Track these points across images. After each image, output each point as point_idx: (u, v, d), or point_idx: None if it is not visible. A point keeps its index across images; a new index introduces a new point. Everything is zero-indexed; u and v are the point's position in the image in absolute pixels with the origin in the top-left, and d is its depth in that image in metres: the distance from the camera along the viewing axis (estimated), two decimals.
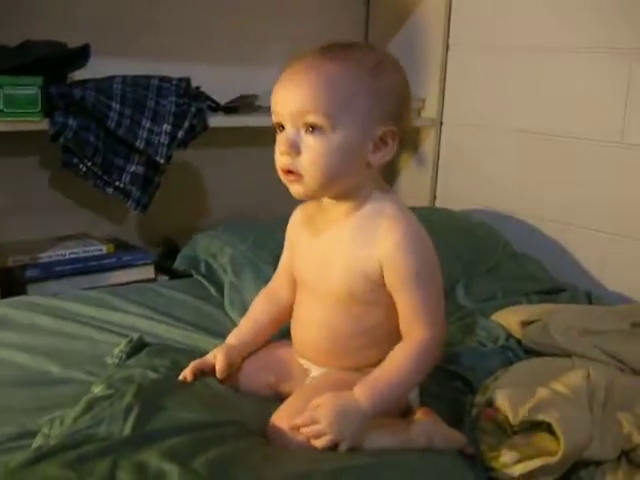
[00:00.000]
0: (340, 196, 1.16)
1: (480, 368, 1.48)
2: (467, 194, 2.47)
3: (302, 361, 1.28)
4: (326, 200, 1.18)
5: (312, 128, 1.08)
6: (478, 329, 1.67)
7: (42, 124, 1.75)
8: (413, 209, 2.20)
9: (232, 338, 1.31)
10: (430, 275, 1.17)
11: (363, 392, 1.09)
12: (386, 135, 1.12)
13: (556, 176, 2.24)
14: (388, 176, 2.67)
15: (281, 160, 1.11)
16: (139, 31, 2.12)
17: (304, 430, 1.05)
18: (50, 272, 1.91)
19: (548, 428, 1.16)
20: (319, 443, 1.04)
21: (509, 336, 1.66)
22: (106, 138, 1.81)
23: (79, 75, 1.92)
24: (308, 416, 1.05)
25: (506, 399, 1.23)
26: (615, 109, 2.08)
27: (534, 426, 1.18)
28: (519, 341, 1.63)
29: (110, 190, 1.84)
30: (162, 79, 1.90)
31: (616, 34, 2.07)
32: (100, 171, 1.80)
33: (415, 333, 1.14)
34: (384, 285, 1.15)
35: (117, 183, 1.84)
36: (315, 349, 1.24)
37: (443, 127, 2.53)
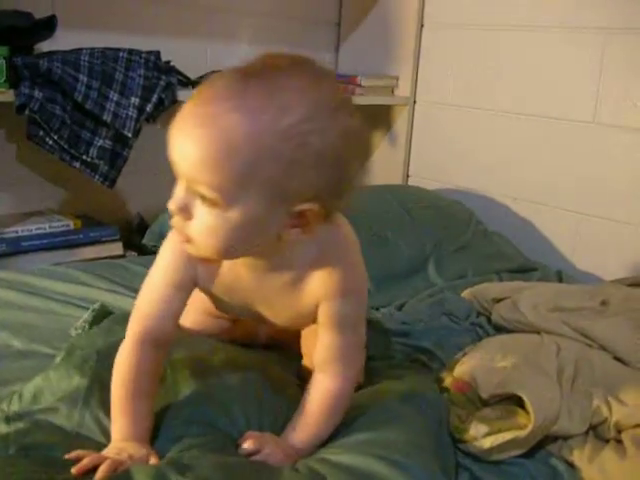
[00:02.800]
0: (251, 256, 0.99)
1: (449, 344, 1.48)
2: (440, 173, 2.47)
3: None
4: None
5: (203, 198, 0.86)
6: (448, 306, 1.67)
7: (7, 95, 1.70)
8: (386, 187, 2.24)
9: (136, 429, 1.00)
10: (359, 319, 1.06)
11: (295, 438, 1.04)
12: (305, 212, 0.88)
13: (529, 156, 2.24)
14: None
15: (173, 214, 0.91)
16: (108, 3, 2.07)
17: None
18: (17, 247, 1.88)
19: (518, 402, 1.17)
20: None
21: (479, 313, 1.67)
22: (73, 111, 1.77)
23: (46, 47, 1.88)
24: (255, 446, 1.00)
25: (476, 372, 1.23)
26: (588, 89, 2.08)
27: (503, 400, 1.18)
28: (489, 318, 1.64)
29: (77, 164, 1.81)
30: (131, 52, 1.87)
31: (589, 13, 2.07)
32: (67, 144, 1.77)
33: (333, 372, 1.05)
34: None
35: (84, 157, 1.80)
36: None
37: (416, 106, 2.52)
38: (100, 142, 1.80)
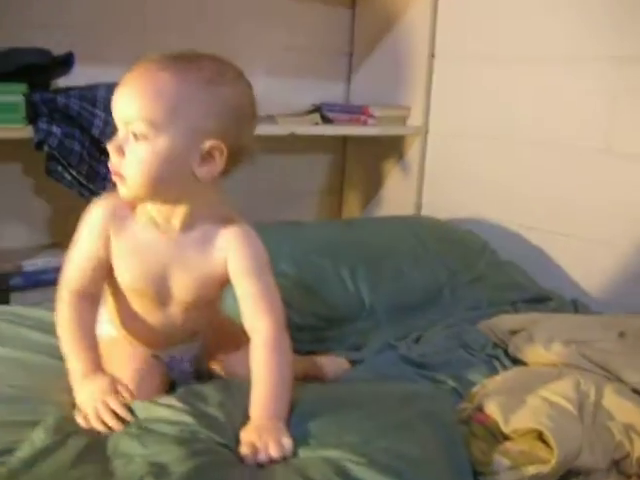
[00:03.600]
0: (167, 204, 1.16)
1: (466, 376, 1.48)
2: (453, 203, 2.47)
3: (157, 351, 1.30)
4: (152, 207, 1.17)
5: (136, 135, 1.08)
6: (465, 338, 1.67)
7: (25, 131, 1.72)
8: (400, 219, 2.25)
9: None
10: (266, 267, 1.21)
11: (267, 414, 1.09)
12: (213, 149, 1.11)
13: (541, 184, 2.24)
14: (373, 185, 2.68)
15: (111, 159, 1.12)
16: (121, 38, 2.10)
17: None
18: (34, 281, 1.89)
19: (540, 436, 1.16)
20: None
21: (495, 345, 1.66)
22: (90, 146, 1.79)
23: (61, 82, 1.90)
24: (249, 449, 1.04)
25: (497, 406, 1.23)
26: (600, 118, 2.09)
27: (525, 434, 1.18)
28: (505, 350, 1.64)
29: (94, 199, 1.82)
30: None
31: (601, 43, 2.08)
32: (85, 179, 1.78)
33: (260, 324, 1.18)
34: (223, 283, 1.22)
35: (101, 192, 1.81)
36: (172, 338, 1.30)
37: (428, 135, 2.53)
38: None
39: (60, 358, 1.38)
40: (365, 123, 2.42)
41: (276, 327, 1.18)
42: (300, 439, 1.05)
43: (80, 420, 1.10)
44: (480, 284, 1.99)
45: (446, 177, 2.50)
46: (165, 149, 1.08)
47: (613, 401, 1.31)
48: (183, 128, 1.08)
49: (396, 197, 2.59)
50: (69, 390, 1.26)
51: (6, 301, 1.82)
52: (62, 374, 1.32)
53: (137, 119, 1.07)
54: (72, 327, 1.18)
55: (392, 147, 2.59)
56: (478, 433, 1.21)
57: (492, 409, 1.23)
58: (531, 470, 1.11)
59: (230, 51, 2.28)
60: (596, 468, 1.16)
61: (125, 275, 1.21)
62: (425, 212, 2.55)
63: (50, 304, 1.64)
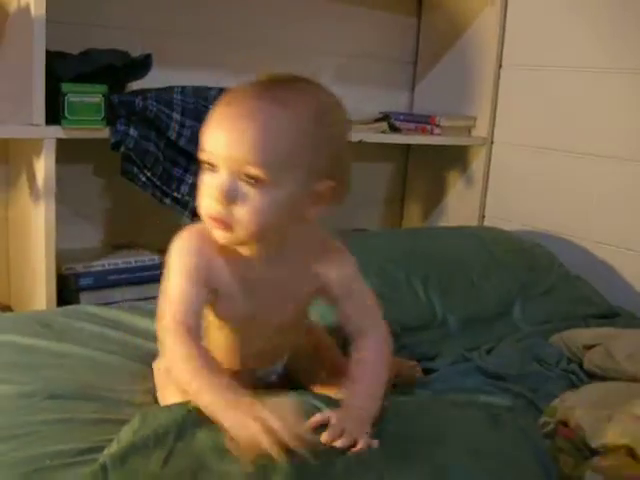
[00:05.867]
0: (266, 242, 1.09)
1: (543, 390, 1.46)
2: (515, 214, 2.45)
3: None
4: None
5: (252, 179, 0.99)
6: (537, 351, 1.65)
7: (103, 132, 1.74)
8: (468, 229, 2.23)
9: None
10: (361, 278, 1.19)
11: (362, 407, 1.06)
12: (326, 190, 1.05)
13: (610, 198, 2.21)
14: (435, 195, 2.67)
15: (211, 206, 1.01)
16: (197, 42, 2.12)
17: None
18: (103, 281, 1.90)
19: (629, 452, 1.14)
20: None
21: (569, 360, 1.64)
22: (166, 148, 1.80)
23: (135, 84, 1.92)
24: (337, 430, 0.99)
25: (584, 420, 1.21)
26: None
27: (614, 449, 1.16)
28: (580, 365, 1.61)
29: (168, 200, 1.83)
30: (221, 90, 1.89)
31: None
32: (159, 181, 1.80)
33: (372, 325, 1.16)
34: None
35: (175, 194, 1.83)
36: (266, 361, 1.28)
37: (493, 146, 2.51)
38: (191, 179, 1.82)
39: (133, 358, 1.42)
40: (432, 132, 2.41)
41: (386, 329, 1.17)
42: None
43: (240, 451, 0.94)
44: (551, 298, 1.96)
45: (510, 188, 2.48)
46: (284, 196, 1.01)
47: None
48: (301, 171, 1.01)
49: (459, 207, 2.58)
50: (151, 391, 1.28)
51: (77, 301, 1.84)
52: (141, 375, 1.35)
53: (253, 163, 0.98)
54: (195, 364, 1.02)
55: (456, 157, 2.58)
56: (564, 447, 1.20)
57: (579, 422, 1.21)
58: None
59: (297, 57, 2.32)
60: None
61: (219, 306, 1.15)
62: (487, 223, 2.53)
63: (121, 304, 1.69)
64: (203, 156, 1.03)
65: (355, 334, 1.16)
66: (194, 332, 1.06)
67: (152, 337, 1.51)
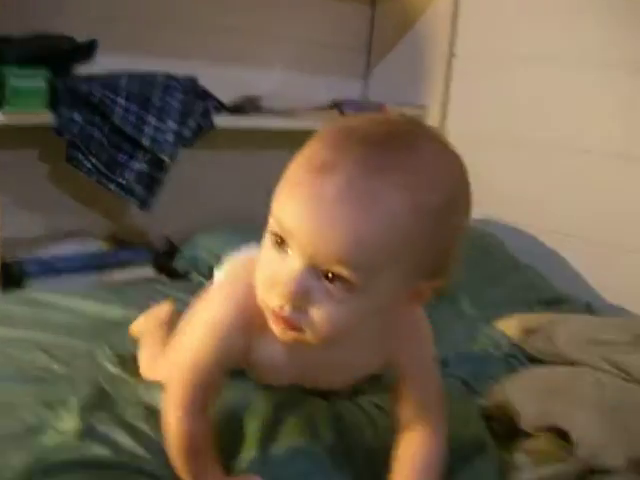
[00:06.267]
0: None
1: (484, 374, 1.47)
2: None
3: None
4: None
5: (338, 279, 0.75)
6: (481, 336, 1.67)
7: (46, 117, 1.72)
8: None
9: None
10: (434, 364, 1.01)
11: None
12: (427, 289, 0.82)
13: (559, 188, 2.24)
14: None
15: (276, 300, 0.78)
16: (145, 28, 2.10)
17: None
18: (49, 268, 1.89)
19: (561, 434, 1.16)
20: None
21: (512, 344, 1.66)
22: (111, 134, 1.79)
23: (83, 69, 1.90)
24: None
25: (517, 404, 1.23)
26: (619, 123, 2.09)
27: (546, 432, 1.18)
28: (522, 349, 1.63)
29: (113, 186, 1.82)
30: (168, 77, 1.89)
31: (620, 48, 2.08)
32: (104, 167, 1.78)
33: (424, 434, 0.97)
34: None
35: (120, 180, 1.82)
36: None
37: (446, 136, 2.52)
38: (137, 165, 1.81)
39: (82, 338, 1.43)
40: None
41: (442, 437, 0.98)
42: None
43: None
44: (497, 284, 1.98)
45: None
46: (373, 302, 0.78)
47: (633, 401, 1.30)
48: (400, 273, 0.77)
49: None
50: (100, 369, 1.30)
51: (21, 288, 1.82)
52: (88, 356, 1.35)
53: (344, 262, 0.73)
54: (187, 450, 0.93)
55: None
56: (499, 430, 1.21)
57: (513, 406, 1.23)
58: (552, 468, 1.11)
59: (249, 44, 2.31)
60: (617, 468, 1.15)
61: (261, 376, 1.02)
62: None
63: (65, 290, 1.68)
64: (272, 224, 0.78)
65: (414, 422, 0.98)
66: (199, 408, 0.93)
67: (94, 318, 1.53)
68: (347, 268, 0.73)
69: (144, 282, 1.90)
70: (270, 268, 0.78)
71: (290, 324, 0.78)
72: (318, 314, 0.76)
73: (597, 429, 1.17)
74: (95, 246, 1.99)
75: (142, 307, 1.61)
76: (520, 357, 1.60)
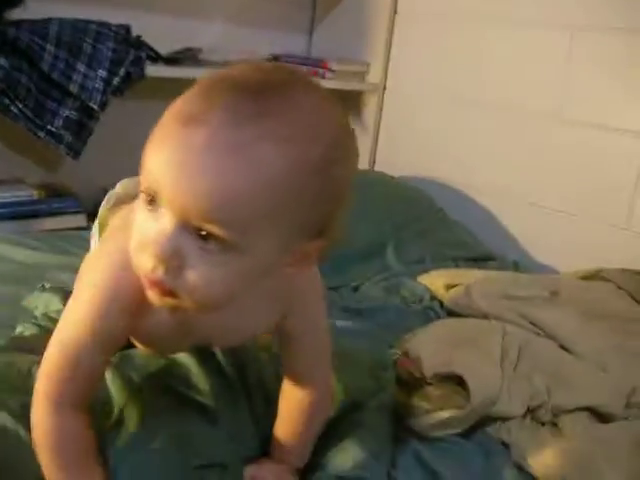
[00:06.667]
0: None
1: (400, 325, 1.51)
2: (406, 161, 2.49)
3: None
4: None
5: (212, 238, 0.69)
6: (403, 289, 1.71)
7: None
8: None
9: None
10: (324, 320, 0.99)
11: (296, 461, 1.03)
12: (312, 251, 0.77)
13: (494, 148, 2.27)
14: None
15: (147, 265, 0.71)
16: None
17: None
18: None
19: (460, 382, 1.20)
20: None
21: (433, 297, 1.70)
22: (39, 80, 1.77)
23: (16, 16, 1.87)
24: None
25: (422, 351, 1.27)
26: (554, 84, 2.12)
27: (447, 379, 1.22)
28: (442, 303, 1.67)
29: (42, 134, 1.81)
30: (101, 24, 1.87)
31: (559, 9, 2.10)
32: (32, 113, 1.77)
33: (312, 387, 0.99)
34: None
35: (49, 127, 1.80)
36: None
37: (386, 92, 2.54)
38: (66, 113, 1.80)
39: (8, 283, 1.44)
40: (323, 76, 2.42)
41: (329, 389, 1.04)
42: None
43: None
44: (424, 240, 2.01)
45: (401, 135, 2.51)
46: (252, 265, 0.72)
47: (536, 354, 1.35)
48: (282, 233, 0.72)
49: None
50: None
51: None
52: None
53: (215, 220, 0.67)
54: (55, 450, 0.84)
55: (349, 102, 2.60)
56: (403, 377, 1.25)
57: (417, 353, 1.27)
58: (447, 414, 1.15)
59: None
60: (512, 415, 1.20)
61: (147, 348, 1.00)
62: (379, 168, 2.56)
63: None
64: (143, 180, 0.70)
65: (298, 377, 0.99)
66: (71, 404, 0.84)
67: (21, 264, 1.54)
68: (218, 225, 0.67)
69: (75, 231, 1.90)
70: (142, 229, 0.71)
71: (164, 289, 0.71)
72: (192, 276, 0.70)
73: (493, 378, 1.21)
74: (27, 194, 1.98)
75: (70, 254, 1.64)
76: (438, 310, 1.64)
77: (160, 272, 0.70)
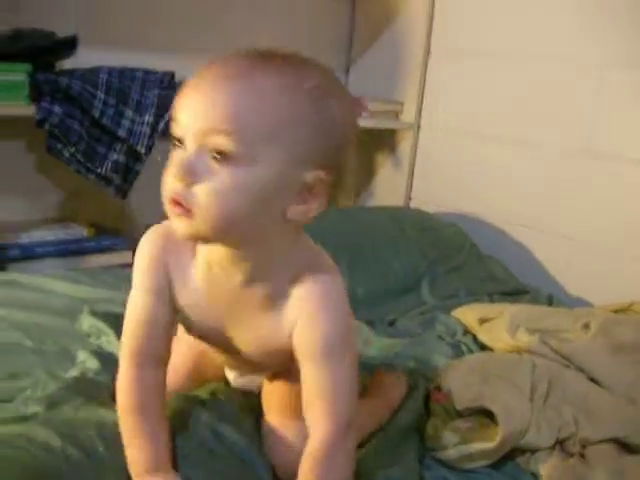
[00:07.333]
0: (235, 248, 0.90)
1: (434, 358, 1.56)
2: (441, 197, 2.54)
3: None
4: (212, 249, 0.92)
5: (221, 154, 0.81)
6: (437, 324, 1.76)
7: (29, 110, 1.81)
8: (383, 209, 2.32)
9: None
10: (340, 346, 0.94)
11: None
12: (315, 183, 0.86)
13: (526, 183, 2.31)
14: (365, 177, 2.75)
15: (169, 185, 0.84)
16: (128, 24, 2.18)
17: None
18: (31, 253, 1.97)
19: (490, 415, 1.24)
20: None
21: (466, 332, 1.74)
22: (90, 126, 1.87)
23: (67, 64, 1.98)
24: None
25: (454, 385, 1.31)
26: (584, 119, 2.16)
27: (477, 412, 1.26)
28: (475, 337, 1.72)
29: (92, 176, 1.91)
30: (147, 72, 1.97)
31: (590, 47, 2.15)
32: (83, 158, 1.87)
33: (316, 426, 0.95)
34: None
35: (99, 170, 1.90)
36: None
37: (420, 131, 2.60)
38: (115, 157, 1.90)
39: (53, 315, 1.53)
40: (359, 116, 2.49)
41: (334, 431, 0.94)
42: None
43: None
44: (458, 275, 2.06)
45: (436, 172, 2.57)
46: (257, 178, 0.82)
47: (566, 386, 1.38)
48: (285, 152, 0.83)
49: (387, 189, 2.67)
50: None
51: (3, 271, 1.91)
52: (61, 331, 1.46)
53: (224, 132, 0.80)
54: (133, 406, 0.97)
55: (384, 141, 2.67)
56: (435, 411, 1.30)
57: (449, 386, 1.32)
58: (477, 446, 1.19)
59: (228, 36, 2.38)
60: (541, 446, 1.24)
61: (184, 325, 1.05)
62: (414, 205, 2.62)
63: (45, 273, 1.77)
64: (172, 129, 0.87)
65: (309, 410, 0.97)
66: (150, 362, 0.97)
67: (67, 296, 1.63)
68: (225, 135, 0.81)
69: (119, 267, 1.99)
70: (170, 163, 0.85)
71: (179, 205, 0.83)
72: (203, 188, 0.82)
73: (522, 411, 1.25)
74: (76, 232, 2.07)
75: (114, 288, 1.72)
76: (471, 345, 1.68)
77: (178, 188, 0.83)
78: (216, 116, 0.81)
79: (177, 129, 0.85)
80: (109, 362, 1.25)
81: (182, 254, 0.96)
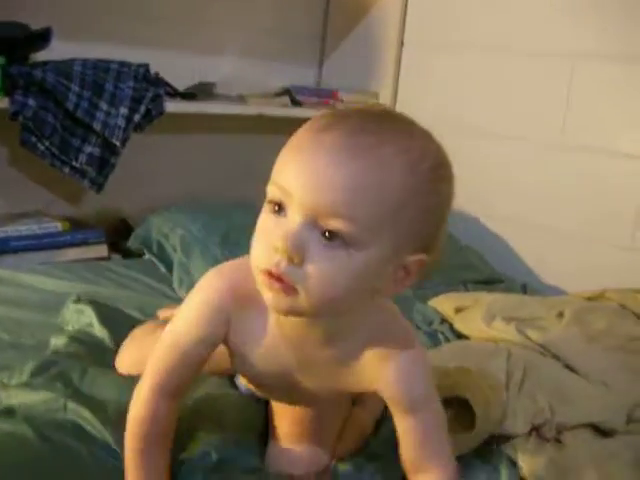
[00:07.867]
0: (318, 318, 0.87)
1: None
2: None
3: None
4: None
5: (334, 235, 0.76)
6: (414, 313, 1.77)
7: (2, 102, 1.79)
8: None
9: None
10: (431, 396, 0.97)
11: None
12: (414, 266, 0.83)
13: (500, 173, 2.34)
14: None
15: (268, 258, 0.78)
16: (102, 17, 2.16)
17: None
18: (5, 247, 1.95)
19: (466, 404, 1.26)
20: None
21: (443, 320, 1.76)
22: (64, 119, 1.86)
23: (41, 57, 1.97)
24: None
25: None
26: (556, 111, 2.19)
27: (453, 402, 1.27)
28: (451, 326, 1.73)
29: (67, 169, 1.90)
30: (122, 64, 1.96)
31: (561, 38, 2.17)
32: (57, 151, 1.86)
33: (429, 471, 0.95)
34: None
35: (73, 163, 1.89)
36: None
37: None
38: (89, 149, 1.89)
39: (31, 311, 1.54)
40: (334, 107, 2.50)
41: (450, 470, 0.96)
42: None
43: None
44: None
45: None
46: (370, 262, 0.78)
47: (541, 373, 1.40)
48: (397, 237, 0.79)
49: None
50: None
51: None
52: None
53: (341, 215, 0.75)
54: (144, 431, 0.94)
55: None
56: None
57: None
58: (455, 435, 1.20)
59: (202, 30, 2.38)
60: (517, 433, 1.26)
61: (239, 367, 1.01)
62: None
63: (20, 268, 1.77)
64: (271, 191, 0.80)
65: (409, 469, 0.97)
66: (171, 393, 0.94)
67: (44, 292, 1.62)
68: (344, 219, 0.75)
69: (96, 261, 1.98)
70: (267, 232, 0.79)
71: (284, 283, 0.77)
72: (312, 270, 0.76)
73: (501, 398, 1.27)
74: (51, 226, 2.06)
75: (91, 282, 1.72)
76: (447, 333, 1.69)
77: (283, 265, 0.77)
78: (336, 199, 0.75)
79: (277, 192, 0.79)
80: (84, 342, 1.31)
81: (250, 308, 0.90)
